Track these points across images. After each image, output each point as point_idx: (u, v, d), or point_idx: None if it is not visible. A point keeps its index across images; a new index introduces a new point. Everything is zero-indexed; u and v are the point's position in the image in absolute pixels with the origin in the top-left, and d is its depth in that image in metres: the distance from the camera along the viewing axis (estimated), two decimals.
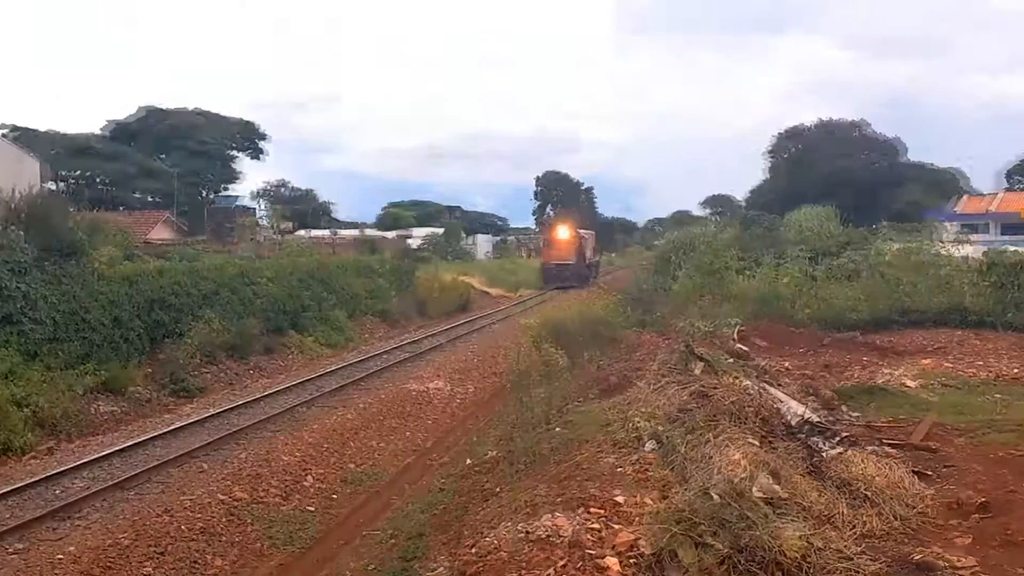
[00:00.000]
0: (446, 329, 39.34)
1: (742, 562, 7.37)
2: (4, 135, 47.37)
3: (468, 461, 16.57)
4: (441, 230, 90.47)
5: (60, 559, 12.09)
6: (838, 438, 11.41)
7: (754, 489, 8.19)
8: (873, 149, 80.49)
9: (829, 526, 8.49)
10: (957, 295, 27.19)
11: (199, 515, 14.18)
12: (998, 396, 15.75)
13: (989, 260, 28.94)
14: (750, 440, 10.55)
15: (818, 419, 12.44)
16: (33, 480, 15.41)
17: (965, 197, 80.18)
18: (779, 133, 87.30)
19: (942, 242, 34.24)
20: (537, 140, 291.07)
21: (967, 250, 33.39)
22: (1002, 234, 58.82)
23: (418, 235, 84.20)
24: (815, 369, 18.76)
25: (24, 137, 61.88)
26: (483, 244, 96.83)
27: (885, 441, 12.00)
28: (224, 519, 14.30)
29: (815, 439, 11.04)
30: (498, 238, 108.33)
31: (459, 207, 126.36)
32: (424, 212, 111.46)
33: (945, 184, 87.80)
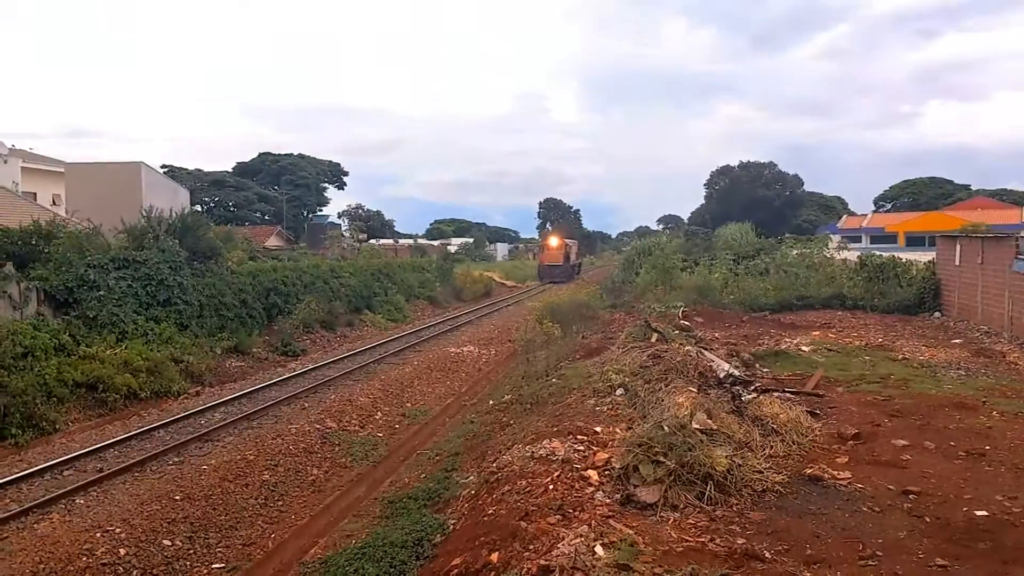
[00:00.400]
0: (475, 309, 39.34)
1: (684, 474, 7.38)
2: (164, 172, 47.49)
3: (491, 402, 16.59)
4: (471, 239, 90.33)
5: (204, 468, 12.20)
6: (753, 387, 11.36)
7: (693, 423, 8.18)
8: (780, 182, 79.91)
9: (747, 449, 8.47)
10: (839, 286, 27.07)
11: (302, 439, 14.26)
12: (867, 358, 15.66)
13: (862, 261, 28.75)
14: (691, 388, 10.53)
15: (739, 374, 12.40)
16: (185, 414, 15.55)
17: (846, 216, 79.90)
18: (713, 170, 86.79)
19: (829, 249, 34.05)
20: (538, 175, 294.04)
21: (846, 254, 33.19)
22: (871, 243, 58.42)
23: (455, 243, 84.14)
24: (737, 339, 18.68)
25: (177, 173, 62.13)
26: (501, 249, 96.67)
27: (787, 389, 11.98)
28: (319, 442, 14.38)
29: (737, 388, 10.98)
30: (512, 245, 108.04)
31: (484, 223, 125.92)
32: (459, 227, 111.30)
33: (832, 207, 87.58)
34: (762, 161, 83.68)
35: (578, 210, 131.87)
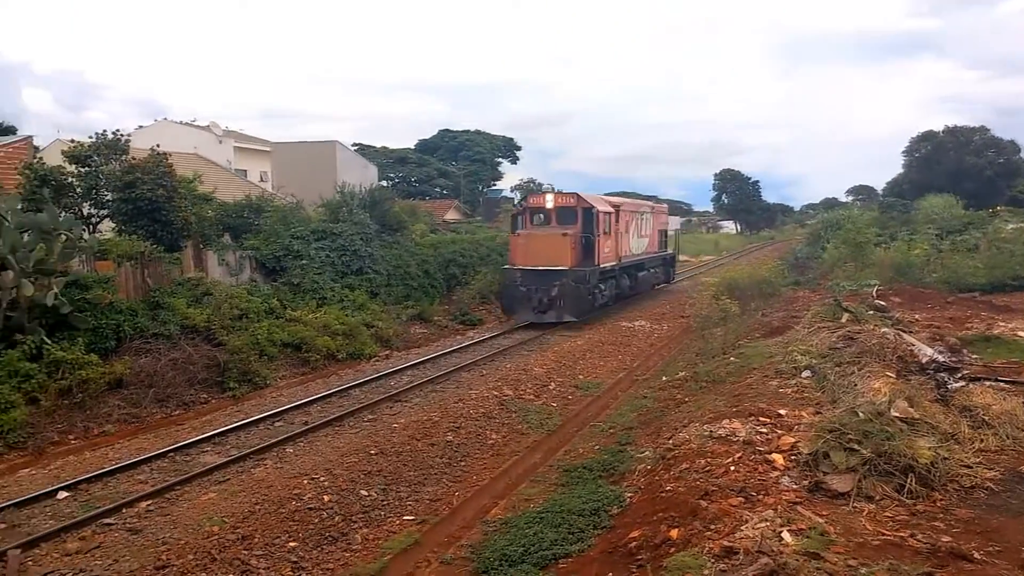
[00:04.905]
0: None
1: (881, 464, 6.97)
2: (355, 150, 50.78)
3: (664, 378, 16.40)
4: None
5: (395, 427, 13.07)
6: (961, 374, 10.42)
7: (892, 410, 7.67)
8: (993, 149, 71.30)
9: (953, 441, 7.84)
10: None
11: (481, 404, 14.82)
12: None
13: None
14: (888, 374, 9.86)
15: (945, 360, 11.39)
16: (377, 375, 16.72)
17: None
18: (914, 136, 78.83)
19: None
20: (711, 146, 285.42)
21: None
22: None
23: None
24: (941, 321, 17.06)
25: (366, 151, 66.21)
26: (673, 223, 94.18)
27: (1001, 378, 10.84)
28: (497, 408, 14.87)
29: (942, 375, 10.12)
30: (685, 219, 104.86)
31: (655, 196, 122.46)
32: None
33: None
34: (972, 126, 74.96)
35: (757, 181, 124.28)
